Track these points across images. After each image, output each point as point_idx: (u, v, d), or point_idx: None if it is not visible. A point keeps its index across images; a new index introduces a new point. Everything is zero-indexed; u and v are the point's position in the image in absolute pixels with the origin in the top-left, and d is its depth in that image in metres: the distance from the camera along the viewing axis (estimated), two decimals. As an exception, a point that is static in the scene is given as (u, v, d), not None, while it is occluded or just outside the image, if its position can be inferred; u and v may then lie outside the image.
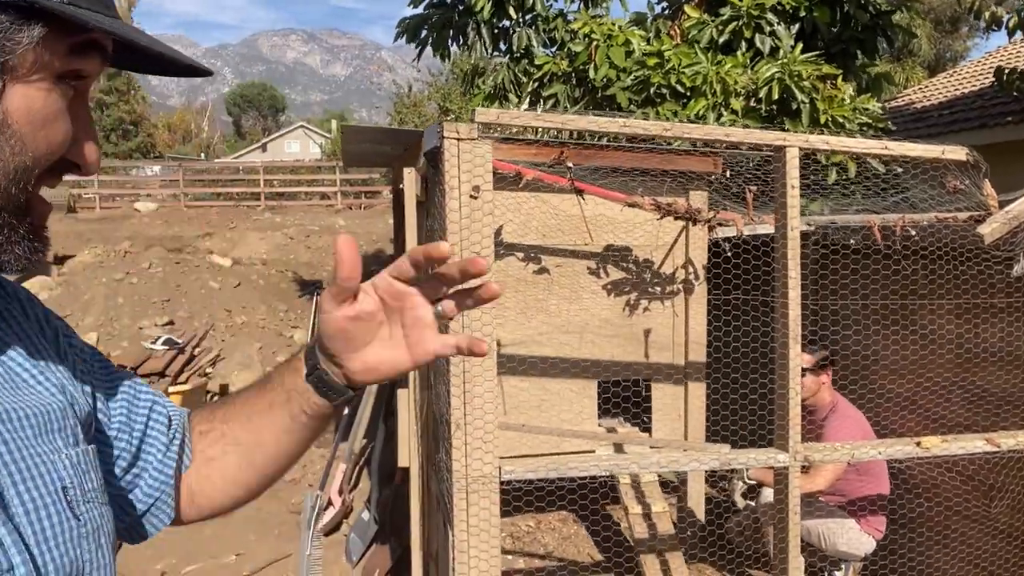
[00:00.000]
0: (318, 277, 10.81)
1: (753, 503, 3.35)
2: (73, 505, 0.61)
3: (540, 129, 4.02)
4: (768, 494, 3.28)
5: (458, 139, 2.10)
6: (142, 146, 33.68)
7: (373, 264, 12.27)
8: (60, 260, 10.13)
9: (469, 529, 2.20)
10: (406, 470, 3.07)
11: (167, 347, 7.47)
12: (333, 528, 4.63)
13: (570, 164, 2.61)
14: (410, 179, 2.77)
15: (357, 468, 5.06)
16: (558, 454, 3.50)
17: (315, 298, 8.39)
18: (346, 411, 5.08)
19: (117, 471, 0.76)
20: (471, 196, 2.12)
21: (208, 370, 7.57)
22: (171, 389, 6.61)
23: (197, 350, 7.77)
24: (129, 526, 0.78)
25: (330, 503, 4.66)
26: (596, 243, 3.55)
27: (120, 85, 31.91)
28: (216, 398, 7.18)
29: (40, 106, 0.56)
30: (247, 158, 32.47)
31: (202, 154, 35.60)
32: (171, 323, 8.32)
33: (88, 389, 0.72)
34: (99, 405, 0.74)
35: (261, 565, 4.34)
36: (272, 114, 59.98)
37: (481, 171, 2.11)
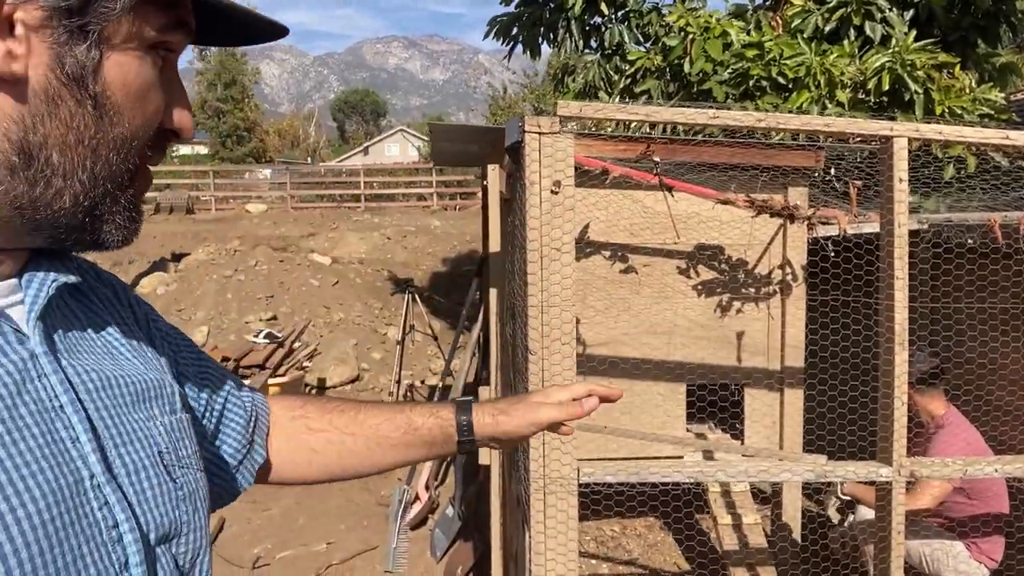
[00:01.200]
0: (412, 276, 11.03)
1: (849, 519, 3.14)
2: (169, 469, 0.64)
3: (628, 124, 3.93)
4: (864, 511, 3.06)
5: (539, 133, 2.05)
6: (254, 151, 35.46)
7: (466, 264, 12.41)
8: (177, 258, 10.81)
9: (546, 531, 2.15)
10: (488, 467, 3.05)
11: (268, 341, 7.81)
12: (420, 522, 4.68)
13: (656, 159, 2.52)
14: (494, 176, 2.75)
15: (444, 464, 5.11)
16: (645, 458, 3.40)
17: (406, 296, 8.55)
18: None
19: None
20: (552, 191, 2.07)
21: (306, 364, 7.85)
22: (270, 381, 6.90)
23: (296, 344, 8.08)
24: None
25: (417, 497, 4.72)
26: (686, 242, 3.42)
27: (235, 94, 33.72)
28: (313, 391, 7.44)
29: (135, 76, 0.57)
30: (349, 161, 33.65)
31: (309, 158, 37.16)
32: (274, 318, 8.69)
33: (174, 368, 0.76)
34: (186, 383, 0.78)
35: (349, 555, 4.44)
36: (374, 119, 61.93)
37: (562, 166, 2.06)
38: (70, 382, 0.58)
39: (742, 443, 3.57)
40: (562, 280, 2.09)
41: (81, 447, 0.56)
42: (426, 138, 20.76)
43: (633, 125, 3.93)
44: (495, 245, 3.15)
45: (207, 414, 0.80)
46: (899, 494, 2.21)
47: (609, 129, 3.31)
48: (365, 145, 41.91)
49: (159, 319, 0.79)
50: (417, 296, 8.65)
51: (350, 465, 0.93)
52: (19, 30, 0.51)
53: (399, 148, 40.26)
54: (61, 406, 0.57)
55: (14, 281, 0.59)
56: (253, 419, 0.85)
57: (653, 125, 3.87)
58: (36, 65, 0.52)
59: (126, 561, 0.57)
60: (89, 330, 0.66)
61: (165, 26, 0.58)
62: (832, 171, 3.53)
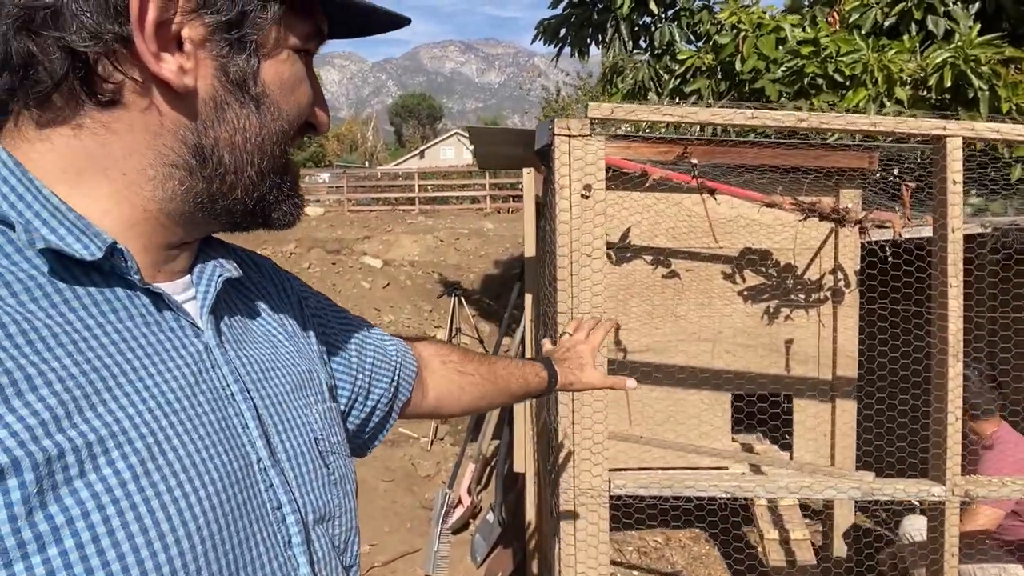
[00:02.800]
0: (463, 278, 11.07)
1: (899, 540, 2.97)
2: (324, 455, 0.69)
3: (676, 125, 3.84)
4: (910, 530, 2.90)
5: (569, 136, 2.01)
6: (315, 155, 36.28)
7: (517, 266, 12.39)
8: (235, 260, 11.07)
9: (576, 544, 2.10)
10: (523, 475, 3.01)
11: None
12: (461, 527, 4.67)
13: (694, 161, 2.43)
14: (529, 180, 2.71)
15: (488, 468, 5.09)
16: (689, 469, 3.31)
17: (452, 299, 8.58)
18: (476, 412, 5.13)
19: (355, 405, 0.89)
20: (582, 195, 2.02)
21: (356, 366, 7.93)
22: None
23: (348, 346, 8.16)
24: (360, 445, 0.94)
25: (459, 502, 4.71)
26: (732, 246, 3.32)
27: (296, 99, 34.38)
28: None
29: (288, 74, 0.63)
30: (406, 165, 34.05)
31: (366, 162, 37.78)
32: (327, 320, 8.81)
33: (323, 344, 0.84)
34: (337, 352, 0.87)
35: (392, 556, 4.46)
36: (430, 123, 62.60)
37: (593, 169, 2.01)
38: (237, 372, 0.64)
39: (791, 455, 3.44)
40: (592, 287, 2.03)
41: (249, 432, 0.62)
42: (480, 141, 20.80)
43: (681, 126, 3.83)
44: (530, 250, 3.11)
45: (359, 374, 0.89)
46: (952, 515, 2.08)
47: (650, 130, 3.23)
48: (421, 149, 42.35)
49: (309, 294, 0.86)
50: (464, 299, 8.67)
51: (482, 405, 1.14)
52: (187, 46, 0.57)
53: (454, 151, 40.58)
54: (232, 394, 0.62)
55: (188, 278, 0.66)
56: (396, 370, 0.95)
57: (702, 127, 3.77)
58: (203, 76, 0.58)
59: (289, 540, 0.63)
60: (250, 320, 0.72)
61: (307, 35, 0.64)
62: (896, 171, 3.37)
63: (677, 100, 5.47)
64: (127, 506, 0.50)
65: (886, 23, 4.70)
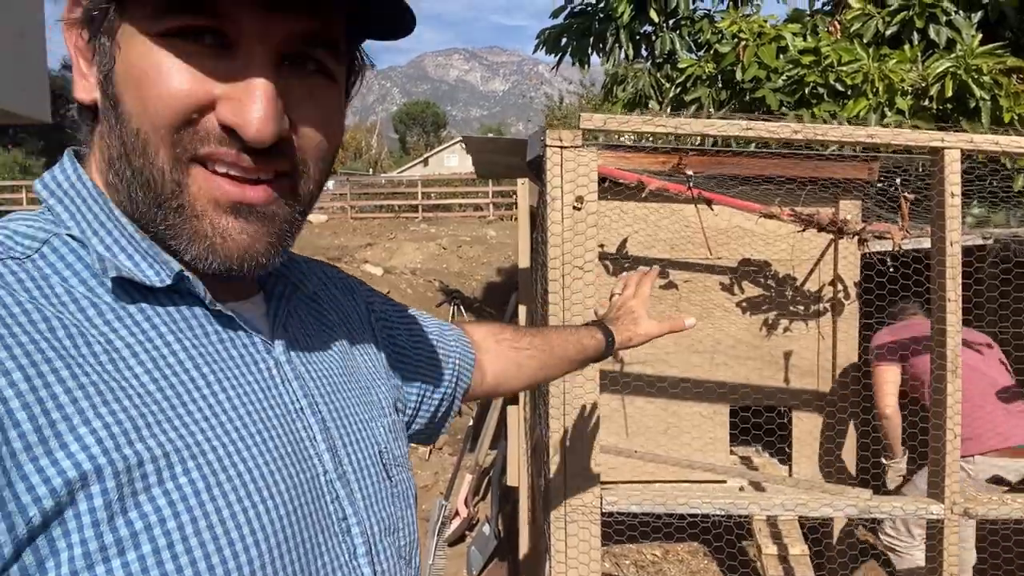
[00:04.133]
0: (464, 285, 11.06)
1: (897, 558, 2.92)
2: (387, 468, 0.70)
3: (676, 136, 3.81)
4: (907, 555, 2.83)
5: (560, 147, 1.98)
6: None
7: (516, 276, 12.37)
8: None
9: (567, 561, 2.06)
10: (516, 489, 2.97)
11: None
12: (458, 539, 4.63)
13: (689, 172, 2.41)
14: (523, 190, 2.69)
15: (485, 479, 5.05)
16: (686, 482, 3.27)
17: (451, 307, 8.56)
18: (470, 422, 5.09)
19: (424, 400, 0.91)
20: (574, 207, 2.00)
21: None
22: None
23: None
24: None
25: (456, 513, 4.67)
26: (730, 257, 3.28)
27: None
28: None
29: (136, 63, 0.57)
30: (409, 172, 34.08)
31: (370, 169, 37.83)
32: (327, 328, 8.80)
33: (390, 349, 0.85)
34: (402, 358, 0.88)
35: (388, 569, 4.41)
36: (434, 130, 62.74)
37: (585, 181, 1.99)
38: (306, 387, 0.65)
39: (790, 468, 3.40)
40: (584, 300, 2.00)
41: (316, 446, 0.63)
42: (483, 149, 20.84)
43: (678, 136, 3.80)
44: (524, 260, 3.08)
45: (425, 372, 0.91)
46: (951, 533, 2.04)
47: (652, 139, 3.20)
48: (425, 156, 42.40)
49: (375, 298, 0.88)
50: (463, 307, 8.65)
51: (543, 375, 1.16)
52: (79, 60, 0.58)
53: (458, 159, 40.62)
54: (301, 408, 0.63)
55: (261, 295, 0.68)
56: (458, 361, 0.98)
57: (701, 138, 3.74)
58: (94, 88, 0.59)
59: (354, 551, 0.64)
60: (319, 332, 0.73)
61: (154, 11, 0.53)
62: (898, 180, 3.33)
63: (678, 109, 5.45)
64: (200, 515, 0.52)
65: (887, 32, 4.67)
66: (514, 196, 16.92)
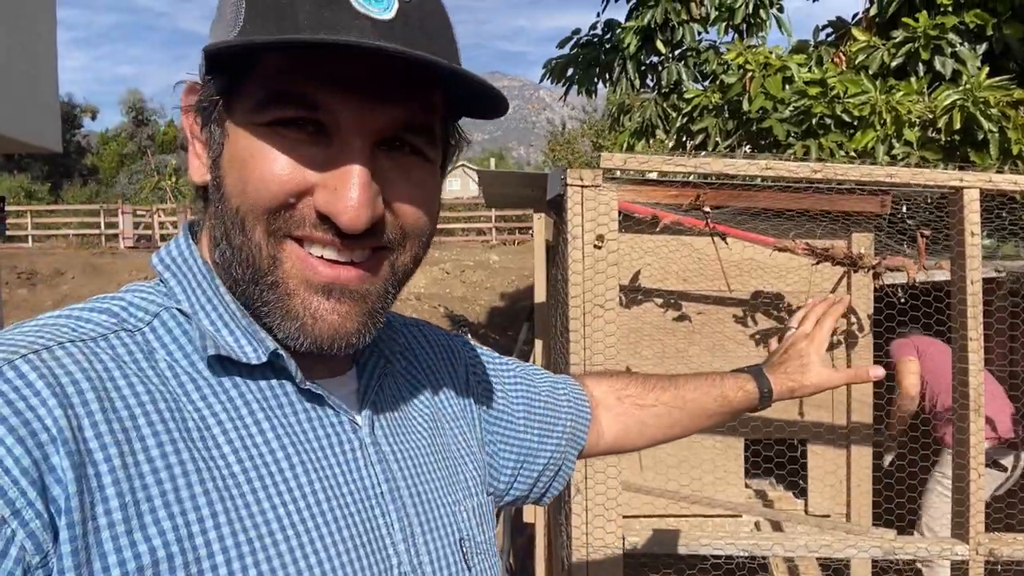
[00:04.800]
0: (469, 310, 11.05)
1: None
2: (467, 556, 0.68)
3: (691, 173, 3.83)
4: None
5: (581, 186, 2.00)
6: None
7: (524, 299, 12.35)
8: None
9: (589, 602, 2.04)
10: (533, 526, 2.95)
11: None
12: (468, 571, 4.57)
13: (707, 208, 2.42)
14: (539, 224, 2.70)
15: (500, 513, 5.00)
16: (702, 516, 3.23)
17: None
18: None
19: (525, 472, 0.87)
20: (595, 246, 2.00)
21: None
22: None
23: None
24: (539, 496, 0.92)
25: (466, 545, 4.62)
26: (743, 289, 3.28)
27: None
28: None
29: (242, 149, 0.60)
30: (412, 196, 34.01)
31: (372, 192, 37.71)
32: (332, 354, 8.78)
33: (487, 418, 0.82)
34: (501, 421, 0.84)
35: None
36: (436, 154, 62.98)
37: (606, 219, 2.00)
38: (390, 470, 0.64)
39: (805, 502, 3.37)
40: (605, 338, 2.00)
41: (393, 535, 0.62)
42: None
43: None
44: (540, 295, 3.09)
45: (527, 435, 0.87)
46: (976, 574, 2.01)
47: (657, 175, 3.22)
48: (427, 180, 42.45)
49: (477, 360, 0.85)
50: (470, 335, 8.63)
51: (674, 433, 1.05)
52: (196, 144, 0.61)
53: (460, 183, 40.81)
54: (381, 494, 0.62)
55: (353, 371, 0.67)
56: (569, 421, 0.92)
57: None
58: (205, 169, 0.62)
59: None
60: (411, 407, 0.72)
61: (259, 103, 0.55)
62: (904, 208, 3.34)
63: (684, 138, 5.48)
64: None
65: (893, 64, 4.72)
66: (517, 221, 16.95)
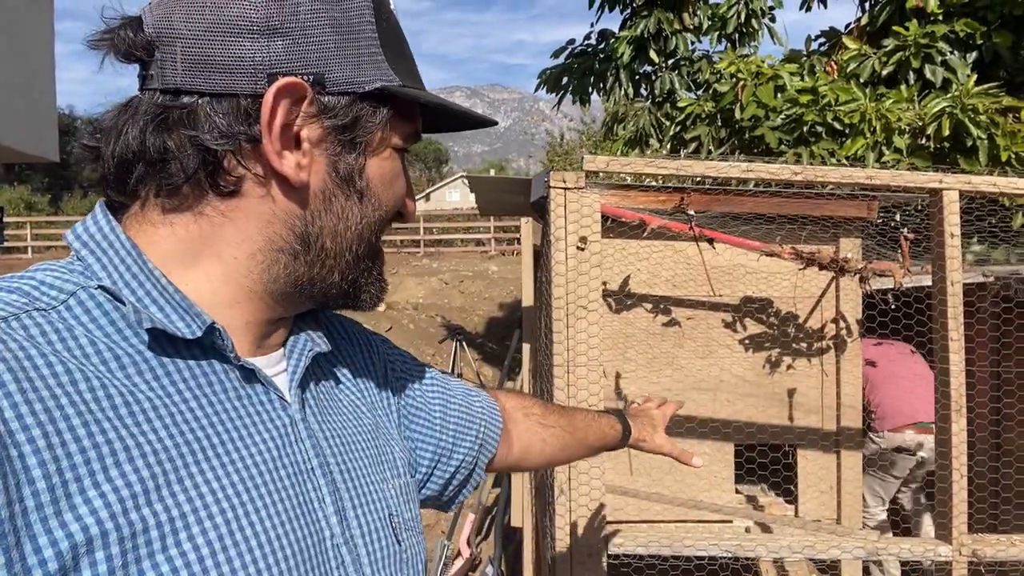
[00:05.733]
0: (467, 321, 11.05)
1: None
2: (397, 532, 0.70)
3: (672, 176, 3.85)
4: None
5: (564, 188, 2.01)
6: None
7: (519, 309, 12.35)
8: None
9: (573, 604, 2.04)
10: (521, 530, 2.94)
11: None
12: (461, 579, 4.56)
13: (691, 212, 2.43)
14: (527, 229, 2.71)
15: (488, 518, 5.00)
16: (692, 522, 3.23)
17: (454, 344, 8.55)
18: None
19: (438, 468, 0.89)
20: (578, 247, 2.02)
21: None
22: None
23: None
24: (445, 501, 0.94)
25: (459, 553, 4.61)
26: (731, 294, 3.30)
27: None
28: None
29: (388, 170, 0.68)
30: (411, 207, 34.14)
31: (372, 204, 37.83)
32: (328, 364, 8.78)
33: (404, 409, 0.85)
34: (418, 418, 0.87)
35: (389, 611, 4.34)
36: (436, 166, 63.33)
37: (589, 221, 2.01)
38: (319, 446, 0.66)
39: (796, 507, 3.36)
40: (588, 339, 2.01)
41: (325, 508, 0.63)
42: (485, 184, 21.01)
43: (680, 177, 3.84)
44: (528, 299, 3.10)
45: (442, 435, 0.88)
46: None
47: (656, 180, 3.23)
48: (427, 191, 42.75)
49: (396, 357, 0.88)
50: (466, 343, 8.64)
51: (564, 457, 1.14)
52: (305, 145, 0.63)
53: (460, 194, 40.93)
54: (312, 468, 0.64)
55: (281, 351, 0.69)
56: (482, 427, 0.95)
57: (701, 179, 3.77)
58: (316, 171, 0.64)
59: None
60: (335, 390, 0.74)
61: (408, 136, 0.69)
62: (898, 216, 3.36)
63: (678, 147, 5.51)
64: None
65: (884, 72, 4.75)
66: (515, 232, 16.99)
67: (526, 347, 3.30)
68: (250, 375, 0.63)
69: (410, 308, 11.36)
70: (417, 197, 0.78)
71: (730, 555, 2.02)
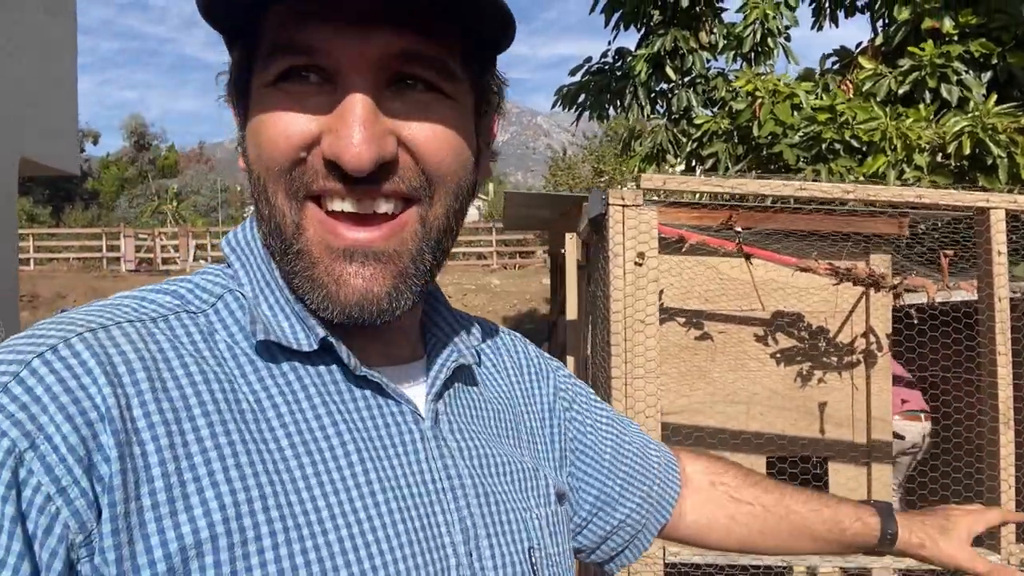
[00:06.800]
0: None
1: None
2: (537, 567, 0.62)
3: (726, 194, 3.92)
4: None
5: (623, 205, 2.07)
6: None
7: (527, 323, 12.39)
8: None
9: (630, 612, 2.08)
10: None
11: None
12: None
13: (739, 228, 2.50)
14: (571, 244, 2.77)
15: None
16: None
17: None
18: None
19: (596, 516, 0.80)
20: (636, 263, 2.07)
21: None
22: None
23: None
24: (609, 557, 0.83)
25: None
26: (764, 309, 3.36)
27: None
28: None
29: (255, 117, 0.59)
30: (411, 220, 34.22)
31: (371, 217, 37.88)
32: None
33: (574, 444, 0.77)
34: (584, 455, 0.78)
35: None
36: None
37: (646, 237, 2.07)
38: (456, 466, 0.60)
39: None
40: (646, 352, 2.07)
41: (453, 535, 0.58)
42: (485, 198, 21.15)
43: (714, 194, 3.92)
44: (572, 313, 3.15)
45: (609, 480, 0.79)
46: (1011, 586, 2.06)
47: (698, 196, 3.31)
48: (426, 205, 42.76)
49: (571, 388, 0.80)
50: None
51: (767, 545, 0.90)
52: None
53: (459, 207, 41.03)
54: (442, 490, 0.59)
55: (421, 362, 0.64)
56: (655, 485, 0.84)
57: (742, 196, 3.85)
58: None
59: None
60: (481, 404, 0.67)
61: (266, 62, 0.54)
62: (922, 227, 3.42)
63: (694, 163, 5.59)
64: None
65: (900, 91, 4.84)
66: (517, 245, 16.99)
67: (570, 359, 3.35)
68: (376, 386, 0.59)
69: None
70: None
71: (785, 564, 2.06)
